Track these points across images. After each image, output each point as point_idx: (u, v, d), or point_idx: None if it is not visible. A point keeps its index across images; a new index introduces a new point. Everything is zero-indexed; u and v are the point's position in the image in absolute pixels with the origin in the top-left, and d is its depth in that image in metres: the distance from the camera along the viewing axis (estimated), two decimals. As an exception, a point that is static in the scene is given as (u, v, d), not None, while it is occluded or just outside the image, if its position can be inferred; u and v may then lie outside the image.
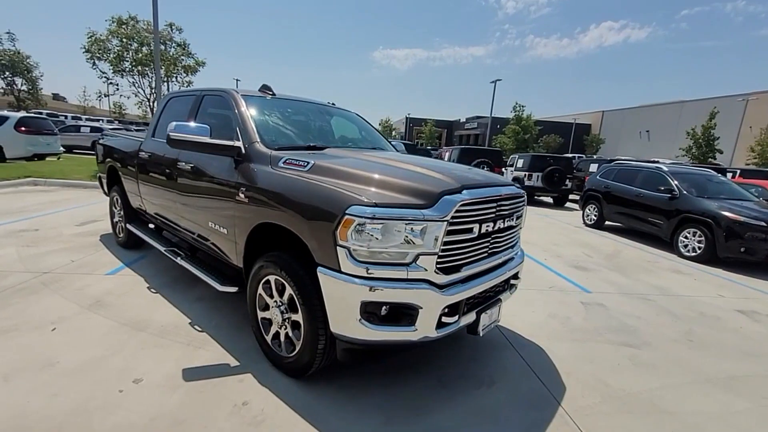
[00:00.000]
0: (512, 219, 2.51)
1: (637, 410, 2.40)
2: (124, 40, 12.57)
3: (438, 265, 2.02)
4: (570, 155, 19.59)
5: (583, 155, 26.28)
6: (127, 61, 12.73)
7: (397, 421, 2.12)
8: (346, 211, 1.89)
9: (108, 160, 4.77)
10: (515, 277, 2.75)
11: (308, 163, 2.36)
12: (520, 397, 2.43)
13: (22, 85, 32.56)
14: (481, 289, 2.29)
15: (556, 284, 4.70)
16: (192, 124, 2.81)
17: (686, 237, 6.76)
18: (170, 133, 2.62)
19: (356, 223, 1.87)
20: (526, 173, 12.91)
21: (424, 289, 1.97)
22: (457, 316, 2.16)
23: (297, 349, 2.28)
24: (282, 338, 2.40)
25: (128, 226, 4.35)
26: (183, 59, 13.87)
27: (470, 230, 2.14)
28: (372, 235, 1.87)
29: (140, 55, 12.67)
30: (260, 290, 2.50)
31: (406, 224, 1.90)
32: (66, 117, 28.49)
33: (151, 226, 4.26)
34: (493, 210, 2.29)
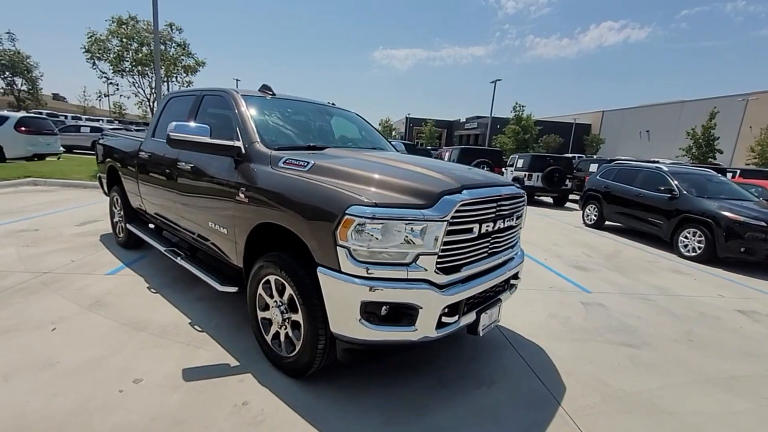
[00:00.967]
0: (512, 219, 2.51)
1: (637, 410, 2.40)
2: (124, 40, 12.57)
3: (438, 265, 2.02)
4: (570, 155, 19.59)
5: (583, 155, 26.28)
6: (127, 61, 12.73)
7: (397, 421, 2.12)
8: (346, 211, 1.89)
9: (108, 160, 4.77)
10: (515, 277, 2.75)
11: (308, 163, 2.36)
12: (520, 397, 2.43)
13: (22, 85, 32.57)
14: (481, 289, 2.29)
15: (556, 284, 4.70)
16: (192, 124, 2.81)
17: (686, 237, 6.76)
18: (170, 133, 2.62)
19: (356, 223, 1.87)
20: (526, 173, 12.91)
21: (424, 289, 1.97)
22: (457, 316, 2.16)
23: (297, 349, 2.28)
24: (282, 338, 2.40)
25: (128, 226, 4.35)
26: (183, 59, 13.87)
27: (470, 230, 2.14)
28: (372, 235, 1.87)
29: (140, 55, 12.67)
30: (260, 290, 2.50)
31: (406, 224, 1.90)
32: (66, 117, 28.49)
33: (151, 226, 4.26)
34: (493, 210, 2.29)
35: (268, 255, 2.41)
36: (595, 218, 9.12)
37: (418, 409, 2.23)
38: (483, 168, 7.94)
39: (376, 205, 1.90)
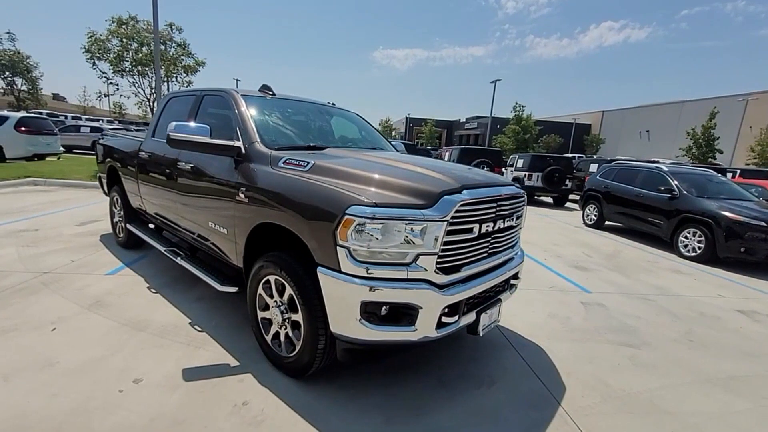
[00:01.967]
0: (512, 219, 2.51)
1: (637, 410, 2.40)
2: (124, 40, 12.56)
3: (438, 265, 2.02)
4: (570, 155, 19.59)
5: (583, 155, 26.28)
6: (127, 61, 12.72)
7: (397, 421, 2.12)
8: (346, 211, 1.89)
9: (108, 160, 4.77)
10: (515, 277, 2.75)
11: (308, 163, 2.36)
12: (520, 397, 2.43)
13: (22, 85, 32.56)
14: (481, 289, 2.29)
15: (556, 284, 4.70)
16: (192, 124, 2.81)
17: (686, 237, 6.76)
18: (170, 133, 2.62)
19: (356, 223, 1.87)
20: (526, 173, 12.91)
21: (424, 289, 1.97)
22: (457, 316, 2.16)
23: (297, 349, 2.28)
24: (282, 338, 2.40)
25: (128, 226, 4.35)
26: (183, 59, 13.86)
27: (470, 230, 2.14)
28: (372, 235, 1.87)
29: (140, 55, 12.66)
30: (260, 290, 2.50)
31: (406, 224, 1.90)
32: (66, 117, 28.50)
33: (151, 226, 4.26)
34: (493, 210, 2.29)
35: (268, 255, 2.41)
36: (595, 218, 9.12)
37: (418, 409, 2.23)
38: (483, 168, 7.94)
39: (376, 205, 1.90)
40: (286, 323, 2.34)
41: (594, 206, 9.17)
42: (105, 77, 13.28)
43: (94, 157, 5.65)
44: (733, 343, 3.50)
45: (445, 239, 1.99)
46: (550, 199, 13.75)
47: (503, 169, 14.39)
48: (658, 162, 10.83)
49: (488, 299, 2.47)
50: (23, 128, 11.49)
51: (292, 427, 2.01)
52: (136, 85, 13.36)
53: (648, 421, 2.30)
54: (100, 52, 12.55)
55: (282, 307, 2.34)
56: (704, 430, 2.28)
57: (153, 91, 13.13)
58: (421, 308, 1.97)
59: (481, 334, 2.38)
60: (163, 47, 12.97)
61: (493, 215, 2.29)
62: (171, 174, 3.35)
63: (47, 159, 12.64)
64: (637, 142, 40.93)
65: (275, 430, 1.99)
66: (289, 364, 2.35)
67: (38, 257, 4.17)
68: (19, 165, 10.75)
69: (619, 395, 2.54)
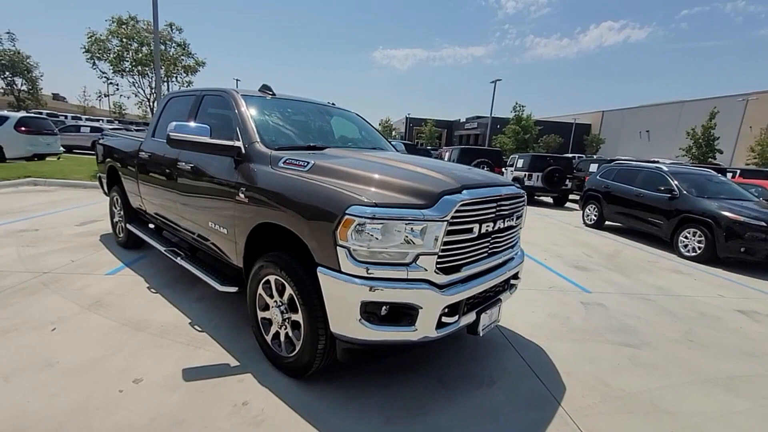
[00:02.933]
0: (512, 219, 2.51)
1: (637, 410, 2.40)
2: (124, 40, 12.56)
3: (438, 265, 2.02)
4: (570, 155, 19.58)
5: (583, 155, 26.27)
6: (127, 61, 12.72)
7: (397, 421, 2.12)
8: (346, 211, 1.89)
9: (108, 160, 4.77)
10: (515, 277, 2.75)
11: (308, 163, 2.36)
12: (520, 397, 2.43)
13: (22, 85, 32.53)
14: (481, 289, 2.29)
15: (556, 284, 4.70)
16: (192, 124, 2.81)
17: (686, 237, 6.76)
18: (170, 133, 2.62)
19: (356, 223, 1.87)
20: (526, 173, 12.91)
21: (424, 289, 1.97)
22: (457, 316, 2.16)
23: (297, 349, 2.28)
24: (282, 338, 2.40)
25: (128, 226, 4.35)
26: (183, 59, 13.86)
27: (470, 230, 2.14)
28: (372, 235, 1.87)
29: (140, 55, 12.66)
30: (260, 290, 2.50)
31: (406, 224, 1.90)
32: (66, 117, 28.49)
33: (151, 226, 4.26)
34: (493, 210, 2.29)
35: (268, 255, 2.41)
36: (595, 218, 9.12)
37: (418, 409, 2.23)
38: (483, 168, 7.94)
39: (376, 205, 1.90)
40: (286, 323, 2.34)
41: (594, 206, 9.17)
42: (105, 77, 13.29)
43: (94, 157, 5.65)
44: (733, 343, 3.50)
45: (445, 239, 1.99)
46: (550, 199, 13.75)
47: (503, 169, 14.39)
48: (658, 162, 10.82)
49: (488, 299, 2.47)
50: (23, 128, 11.49)
51: (292, 427, 2.01)
52: (136, 85, 13.37)
53: (648, 421, 2.30)
54: (100, 52, 12.55)
55: (282, 307, 2.34)
56: (704, 430, 2.28)
57: (153, 91, 13.13)
58: (421, 308, 1.97)
59: (481, 334, 2.38)
60: (163, 47, 12.97)
61: (493, 215, 2.29)
62: (171, 174, 3.35)
63: (47, 159, 12.64)
64: (637, 142, 40.92)
65: (275, 430, 1.99)
66: (289, 364, 2.35)
67: (38, 257, 4.17)
68: (19, 165, 10.75)
69: (619, 395, 2.54)
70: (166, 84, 13.40)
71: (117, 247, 4.71)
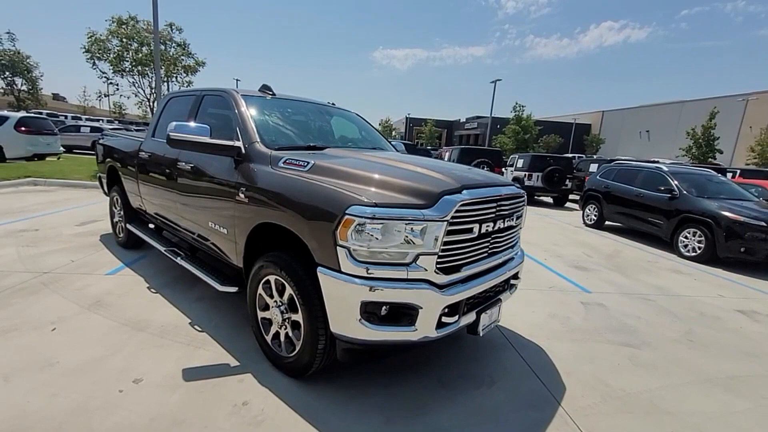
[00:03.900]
0: (512, 219, 2.51)
1: (637, 410, 2.40)
2: (124, 40, 12.56)
3: (438, 265, 2.02)
4: (570, 155, 19.58)
5: (583, 155, 26.27)
6: (127, 61, 12.72)
7: (397, 421, 2.12)
8: (346, 211, 1.89)
9: (108, 160, 4.77)
10: (515, 277, 2.75)
11: (308, 163, 2.36)
12: (520, 397, 2.43)
13: (22, 85, 32.53)
14: (481, 289, 2.29)
15: (556, 284, 4.70)
16: (192, 124, 2.81)
17: (686, 237, 6.76)
18: (170, 133, 2.62)
19: (356, 223, 1.87)
20: (526, 173, 12.91)
21: (424, 289, 1.97)
22: (457, 316, 2.16)
23: (297, 349, 2.28)
24: (282, 338, 2.40)
25: (128, 226, 4.35)
26: (183, 59, 13.87)
27: (470, 230, 2.14)
28: (372, 235, 1.87)
29: (140, 55, 12.66)
30: (260, 290, 2.50)
31: (406, 224, 1.90)
32: (66, 117, 28.49)
33: (151, 226, 4.26)
34: (493, 210, 2.29)
35: (268, 255, 2.41)
36: (595, 218, 9.12)
37: (418, 409, 2.23)
38: (483, 168, 7.94)
39: (376, 205, 1.90)
40: (286, 323, 2.34)
41: (594, 206, 9.17)
42: (105, 77, 13.29)
43: (94, 157, 5.65)
44: (733, 343, 3.50)
45: (445, 239, 1.99)
46: (550, 199, 13.75)
47: (503, 169, 14.39)
48: (658, 162, 10.82)
49: (488, 299, 2.47)
50: (23, 128, 11.49)
51: (292, 427, 2.01)
52: (136, 85, 13.37)
53: (648, 421, 2.30)
54: (100, 52, 12.55)
55: (282, 307, 2.34)
56: (704, 430, 2.28)
57: (153, 91, 13.13)
58: (421, 308, 1.97)
59: (481, 334, 2.38)
60: (163, 47, 12.97)
61: (493, 215, 2.29)
62: (171, 174, 3.35)
63: (47, 159, 12.64)
64: (637, 142, 40.91)
65: (275, 430, 1.99)
66: (289, 364, 2.35)
67: (38, 257, 4.17)
68: (19, 165, 10.75)
69: (619, 395, 2.54)
70: (166, 84, 13.40)
71: (117, 247, 4.71)
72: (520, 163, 13.53)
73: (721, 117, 25.54)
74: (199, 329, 2.92)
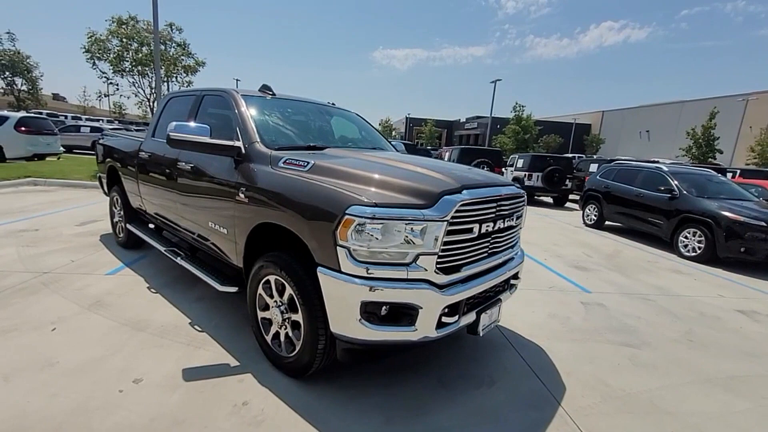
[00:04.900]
0: (512, 219, 2.51)
1: (637, 410, 2.40)
2: (124, 40, 12.56)
3: (438, 265, 2.02)
4: (570, 155, 19.58)
5: (583, 155, 26.27)
6: (127, 61, 12.72)
7: (397, 421, 2.12)
8: (346, 211, 1.89)
9: (108, 160, 4.77)
10: (515, 277, 2.75)
11: (308, 163, 2.36)
12: (520, 397, 2.43)
13: (22, 85, 32.53)
14: (481, 289, 2.29)
15: (556, 284, 4.70)
16: (192, 124, 2.81)
17: (686, 237, 6.76)
18: (170, 133, 2.62)
19: (356, 223, 1.87)
20: (526, 173, 12.91)
21: (424, 289, 1.97)
22: (457, 316, 2.16)
23: (297, 349, 2.28)
24: (282, 338, 2.40)
25: (128, 226, 4.35)
26: (183, 59, 13.87)
27: (470, 230, 2.14)
28: (372, 235, 1.87)
29: (140, 55, 12.66)
30: (260, 290, 2.50)
31: (406, 224, 1.90)
32: (66, 117, 28.49)
33: (151, 226, 4.26)
34: (493, 210, 2.29)
35: (268, 255, 2.41)
36: (595, 218, 9.12)
37: (418, 409, 2.23)
38: (483, 168, 7.94)
39: (376, 205, 1.90)
40: (286, 323, 2.34)
41: (594, 206, 9.17)
42: (105, 77, 13.29)
43: (94, 157, 5.65)
44: (733, 343, 3.50)
45: (445, 239, 1.99)
46: (550, 199, 13.75)
47: (503, 169, 14.39)
48: (658, 162, 10.82)
49: (488, 299, 2.47)
50: (23, 128, 11.49)
51: (292, 427, 2.01)
52: (136, 85, 13.37)
53: (648, 421, 2.30)
54: (100, 52, 12.55)
55: (282, 307, 2.34)
56: (704, 430, 2.28)
57: (153, 91, 13.14)
58: (421, 308, 1.97)
59: (481, 334, 2.38)
60: (163, 47, 12.97)
61: (493, 215, 2.29)
62: (171, 174, 3.35)
63: (47, 159, 12.64)
64: (637, 142, 40.91)
65: (275, 430, 1.99)
66: (289, 364, 2.35)
67: (38, 257, 4.17)
68: (19, 165, 10.75)
69: (619, 395, 2.54)
70: (166, 84, 13.40)
71: (117, 247, 4.71)
72: (520, 163, 13.53)
73: (721, 117, 25.54)
74: (199, 329, 2.92)
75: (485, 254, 2.35)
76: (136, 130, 9.73)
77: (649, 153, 32.50)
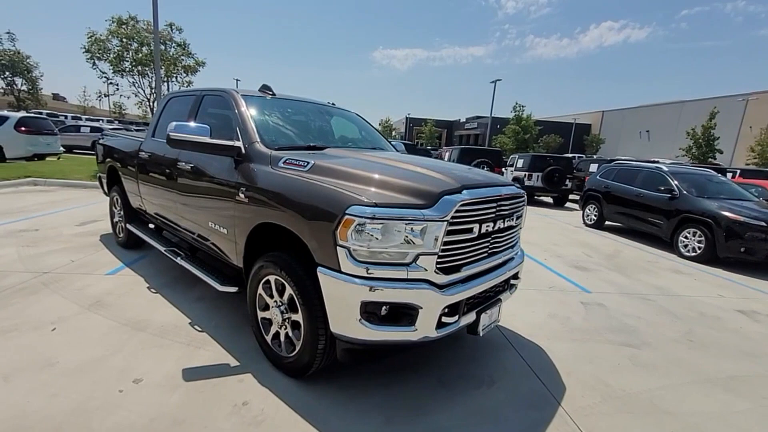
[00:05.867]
0: (512, 219, 2.51)
1: (637, 410, 2.40)
2: (124, 40, 12.58)
3: (438, 265, 2.02)
4: (570, 155, 19.58)
5: (583, 155, 26.27)
6: (127, 61, 12.74)
7: (397, 421, 2.12)
8: (346, 211, 1.89)
9: (108, 160, 4.77)
10: (515, 277, 2.75)
11: (308, 163, 2.36)
12: (520, 397, 2.43)
13: (22, 85, 32.56)
14: (481, 289, 2.29)
15: (556, 284, 4.70)
16: (192, 124, 2.81)
17: (686, 237, 6.76)
18: (170, 133, 2.62)
19: (356, 223, 1.87)
20: (526, 173, 12.92)
21: (424, 289, 1.97)
22: (457, 316, 2.16)
23: (297, 349, 2.28)
24: (282, 338, 2.40)
25: (128, 226, 4.35)
26: (183, 59, 13.88)
27: (470, 230, 2.14)
28: (372, 235, 1.87)
29: (140, 55, 12.68)
30: (260, 290, 2.50)
31: (406, 224, 1.90)
32: (66, 117, 28.49)
33: (151, 226, 4.26)
34: (493, 210, 2.29)
35: (268, 255, 2.41)
36: (595, 218, 9.12)
37: (418, 409, 2.23)
38: (483, 168, 7.94)
39: (376, 205, 1.90)
40: (286, 323, 2.34)
41: (594, 206, 9.17)
42: (105, 77, 13.31)
43: (94, 157, 5.65)
44: (733, 343, 3.50)
45: (445, 239, 1.99)
46: (550, 199, 13.75)
47: (503, 169, 14.39)
48: (658, 162, 10.82)
49: (488, 299, 2.47)
50: (23, 128, 11.49)
51: (292, 427, 2.01)
52: (136, 85, 13.39)
53: (648, 421, 2.30)
54: (100, 52, 12.56)
55: (282, 307, 2.34)
56: (704, 430, 2.28)
57: (153, 91, 13.15)
58: (421, 308, 1.97)
59: (481, 334, 2.38)
60: (163, 47, 12.98)
61: (493, 215, 2.29)
62: (171, 174, 3.35)
63: (47, 159, 12.64)
64: (637, 142, 40.92)
65: (275, 430, 1.99)
66: (289, 364, 2.35)
67: (38, 257, 4.17)
68: (19, 165, 10.75)
69: (619, 395, 2.54)
70: (166, 84, 13.41)
71: (117, 247, 4.71)
72: (520, 163, 13.53)
73: (721, 117, 25.54)
74: (199, 329, 2.92)
75: (485, 254, 2.35)
76: (136, 130, 9.73)
77: (649, 153, 32.50)
